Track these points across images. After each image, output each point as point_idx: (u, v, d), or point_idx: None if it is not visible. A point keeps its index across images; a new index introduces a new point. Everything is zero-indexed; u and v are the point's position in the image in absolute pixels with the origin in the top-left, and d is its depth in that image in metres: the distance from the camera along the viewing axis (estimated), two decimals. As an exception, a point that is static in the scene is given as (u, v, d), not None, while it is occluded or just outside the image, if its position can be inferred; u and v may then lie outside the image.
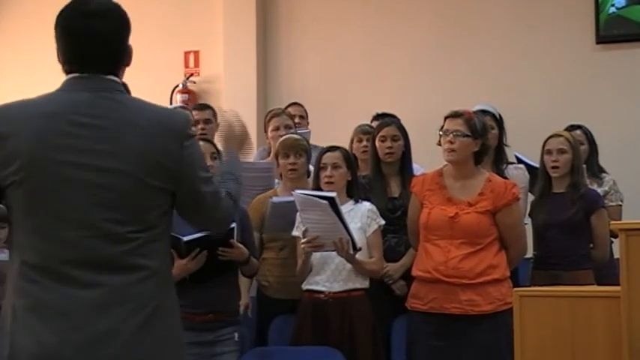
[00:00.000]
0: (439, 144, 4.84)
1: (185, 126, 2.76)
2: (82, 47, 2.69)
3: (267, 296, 5.28)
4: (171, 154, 2.67)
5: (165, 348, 2.66)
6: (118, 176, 2.61)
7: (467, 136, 4.74)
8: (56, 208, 2.59)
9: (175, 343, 2.73)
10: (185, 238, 4.39)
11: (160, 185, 2.66)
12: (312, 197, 4.77)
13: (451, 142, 4.74)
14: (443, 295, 4.67)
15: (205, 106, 6.51)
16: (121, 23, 2.74)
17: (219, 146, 3.66)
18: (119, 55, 2.75)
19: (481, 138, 4.81)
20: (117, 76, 2.74)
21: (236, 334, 4.71)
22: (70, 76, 2.71)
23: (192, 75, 8.70)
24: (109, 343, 2.55)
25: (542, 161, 5.53)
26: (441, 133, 4.83)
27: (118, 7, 2.76)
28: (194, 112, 6.20)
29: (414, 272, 4.84)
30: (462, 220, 4.70)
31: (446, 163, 4.88)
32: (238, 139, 3.42)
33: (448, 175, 4.87)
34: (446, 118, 4.86)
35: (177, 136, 2.70)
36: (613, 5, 7.37)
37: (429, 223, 4.77)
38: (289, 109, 6.69)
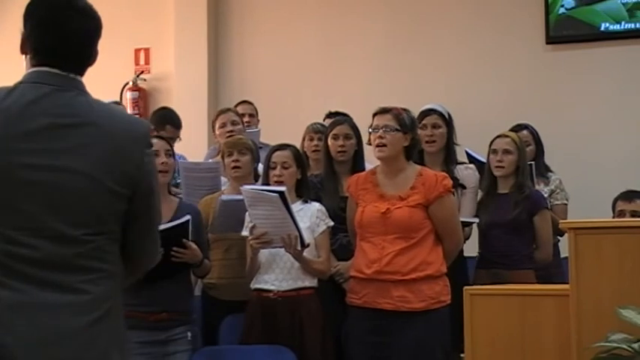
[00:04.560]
0: (369, 143, 4.88)
1: (147, 133, 2.73)
2: (59, 42, 2.64)
3: (213, 297, 5.27)
4: (133, 158, 2.63)
5: (115, 349, 2.65)
6: (76, 177, 2.56)
7: (396, 130, 4.77)
8: (8, 210, 2.55)
9: (123, 344, 2.72)
10: None
11: (119, 189, 2.62)
12: (261, 192, 4.77)
13: (381, 137, 4.77)
14: (376, 291, 4.69)
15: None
16: (98, 24, 2.71)
17: None
18: (91, 56, 2.71)
19: (411, 132, 4.84)
20: (81, 76, 2.70)
21: (189, 334, 4.71)
22: (38, 69, 2.65)
23: (142, 72, 8.64)
24: (61, 343, 2.53)
25: (487, 161, 5.59)
26: (370, 130, 4.86)
27: (93, 7, 2.73)
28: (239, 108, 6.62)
29: (351, 272, 4.87)
30: (394, 215, 4.72)
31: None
32: None
33: (381, 172, 4.89)
34: (374, 115, 4.89)
35: (140, 142, 2.67)
36: (562, 6, 7.45)
37: (362, 221, 4.80)
38: (239, 107, 6.71)
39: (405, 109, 4.92)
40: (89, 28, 2.69)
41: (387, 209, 4.73)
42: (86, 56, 2.70)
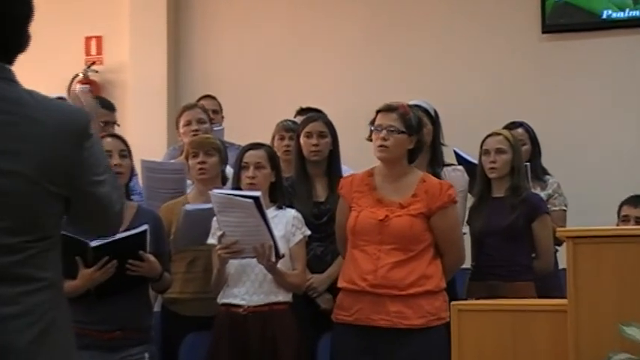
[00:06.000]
0: (369, 139, 4.86)
1: (87, 125, 2.73)
2: None
3: (174, 312, 5.26)
4: (70, 156, 2.65)
5: None
6: (12, 179, 2.57)
7: (402, 132, 4.77)
8: None
9: (72, 356, 2.73)
10: (93, 243, 4.37)
11: (56, 191, 2.64)
12: (234, 197, 4.73)
13: (384, 139, 4.76)
14: (370, 306, 4.68)
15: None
16: (29, 7, 2.71)
17: None
18: (22, 43, 2.72)
19: (416, 134, 4.84)
20: (11, 65, 2.71)
21: (147, 354, 4.70)
22: None
23: (94, 63, 8.65)
24: (3, 358, 2.54)
25: (480, 163, 5.56)
26: (372, 128, 4.84)
27: None
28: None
29: (340, 283, 4.83)
30: (393, 224, 4.71)
31: (377, 163, 4.89)
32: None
33: (379, 174, 4.88)
34: (378, 111, 4.87)
35: (79, 137, 2.68)
36: (560, -8, 7.52)
37: (356, 227, 4.78)
38: (201, 103, 6.71)
39: (411, 107, 4.93)
40: (18, 12, 2.68)
41: (385, 216, 4.73)
42: (16, 43, 2.70)
